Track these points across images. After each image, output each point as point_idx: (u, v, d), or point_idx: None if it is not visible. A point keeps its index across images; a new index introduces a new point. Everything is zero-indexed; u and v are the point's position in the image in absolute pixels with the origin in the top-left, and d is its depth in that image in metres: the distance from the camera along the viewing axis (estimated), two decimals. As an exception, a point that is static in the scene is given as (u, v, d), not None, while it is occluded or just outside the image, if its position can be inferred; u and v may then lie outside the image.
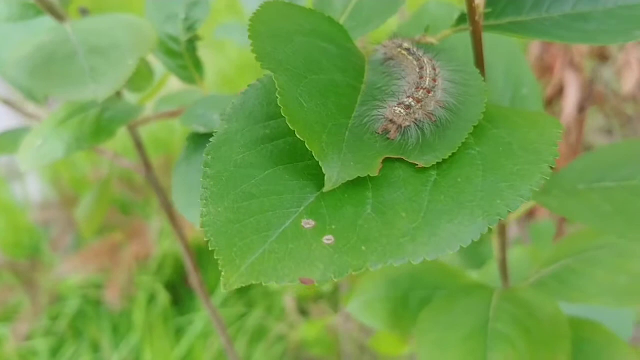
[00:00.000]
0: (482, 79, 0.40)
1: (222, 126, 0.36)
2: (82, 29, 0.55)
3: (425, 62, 0.40)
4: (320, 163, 0.32)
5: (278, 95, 0.33)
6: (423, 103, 0.37)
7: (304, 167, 0.34)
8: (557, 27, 0.44)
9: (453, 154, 0.35)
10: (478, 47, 0.44)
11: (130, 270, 1.49)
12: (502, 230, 0.56)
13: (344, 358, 1.40)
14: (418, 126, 0.36)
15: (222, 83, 2.13)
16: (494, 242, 0.58)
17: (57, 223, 1.67)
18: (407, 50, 0.42)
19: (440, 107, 0.38)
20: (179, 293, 1.53)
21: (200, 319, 1.44)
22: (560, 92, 1.36)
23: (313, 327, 1.44)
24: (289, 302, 1.51)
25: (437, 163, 0.34)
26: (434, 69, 0.40)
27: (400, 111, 0.36)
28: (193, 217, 0.50)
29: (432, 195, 0.33)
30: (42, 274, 1.55)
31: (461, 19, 0.45)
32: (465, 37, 0.45)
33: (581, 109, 1.31)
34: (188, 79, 0.60)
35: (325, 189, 0.32)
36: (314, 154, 0.32)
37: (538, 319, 0.55)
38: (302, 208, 0.32)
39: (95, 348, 1.43)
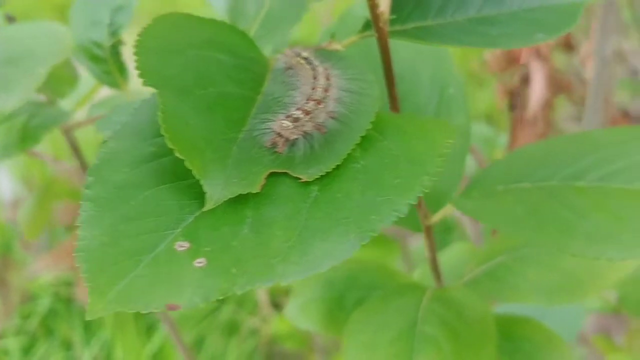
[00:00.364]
0: (377, 87, 0.39)
1: (109, 144, 0.35)
2: (1, 37, 0.55)
3: (320, 71, 0.40)
4: (200, 181, 0.32)
5: (159, 114, 0.33)
6: (312, 115, 0.37)
7: (187, 185, 0.34)
8: (461, 32, 0.44)
9: (338, 167, 0.34)
10: (385, 54, 0.43)
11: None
12: (428, 231, 0.56)
13: (316, 352, 1.41)
14: (307, 139, 0.36)
15: None
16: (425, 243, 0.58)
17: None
18: (305, 59, 0.41)
19: (332, 117, 0.38)
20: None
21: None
22: (526, 82, 1.36)
23: (286, 320, 1.44)
24: (261, 295, 1.52)
25: (321, 178, 0.34)
26: (328, 79, 0.40)
27: (287, 124, 0.36)
28: None
29: (310, 212, 0.32)
30: (13, 273, 1.55)
31: (367, 25, 0.45)
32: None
33: (547, 98, 1.31)
34: (112, 84, 0.59)
35: (205, 208, 0.32)
36: (193, 172, 0.32)
37: (466, 320, 0.55)
38: (178, 230, 0.32)
39: (67, 346, 1.43)
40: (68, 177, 1.25)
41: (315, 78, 0.40)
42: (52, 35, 0.53)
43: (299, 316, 0.63)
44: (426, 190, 0.33)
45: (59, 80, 0.60)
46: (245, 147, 0.35)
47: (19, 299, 1.51)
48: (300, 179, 0.34)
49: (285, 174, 0.34)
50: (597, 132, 0.51)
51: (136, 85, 0.62)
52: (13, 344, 1.43)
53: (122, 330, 1.41)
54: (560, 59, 1.38)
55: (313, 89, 0.39)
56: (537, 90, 1.32)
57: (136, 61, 0.35)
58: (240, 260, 0.31)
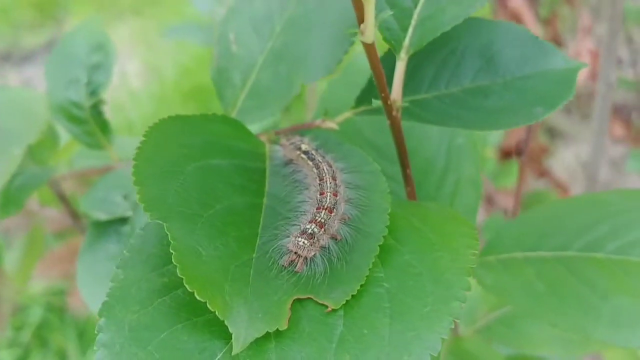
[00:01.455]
0: (384, 179, 0.38)
1: (118, 276, 0.33)
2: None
3: (325, 170, 0.38)
4: (225, 322, 0.30)
5: (172, 251, 0.31)
6: (326, 226, 0.35)
7: (204, 322, 0.32)
8: (456, 106, 0.42)
9: (362, 293, 0.33)
10: (399, 141, 0.41)
11: (93, 275, 1.47)
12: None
13: None
14: (323, 253, 0.34)
15: (181, 76, 2.06)
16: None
17: (19, 230, 1.63)
18: (306, 153, 0.39)
19: (344, 223, 0.36)
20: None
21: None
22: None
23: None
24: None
25: (345, 307, 0.32)
26: (334, 179, 0.38)
27: (303, 242, 0.34)
28: None
29: (337, 355, 0.31)
30: (3, 283, 1.52)
31: (361, 99, 0.43)
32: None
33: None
34: (95, 145, 0.56)
35: (234, 352, 0.29)
36: (217, 314, 0.30)
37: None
38: (200, 379, 0.30)
39: (62, 357, 1.42)
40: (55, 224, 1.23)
41: (321, 179, 0.38)
42: (27, 112, 0.50)
43: None
44: (457, 320, 0.32)
45: (40, 148, 0.57)
46: (262, 270, 0.33)
47: (11, 309, 1.49)
48: (326, 306, 0.32)
49: (305, 300, 0.33)
50: (609, 196, 0.49)
51: (122, 145, 0.60)
52: (7, 356, 1.41)
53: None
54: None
55: (321, 194, 0.37)
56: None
57: (138, 192, 0.33)
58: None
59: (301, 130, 0.45)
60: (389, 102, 0.38)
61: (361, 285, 0.33)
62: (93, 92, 0.55)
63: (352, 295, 0.33)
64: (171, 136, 0.37)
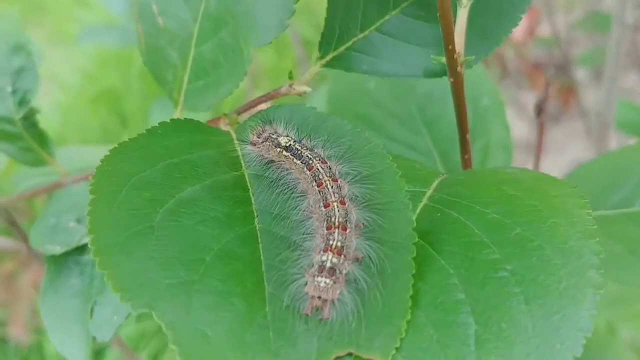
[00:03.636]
0: (390, 158, 0.32)
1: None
2: None
3: (320, 170, 0.30)
4: None
5: (173, 346, 0.25)
6: (345, 250, 0.28)
7: None
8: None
9: (483, 278, 0.28)
10: (460, 102, 0.36)
11: (32, 300, 1.35)
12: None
13: None
14: (350, 285, 0.27)
15: (86, 82, 1.90)
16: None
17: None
18: (289, 149, 0.32)
19: (361, 235, 0.29)
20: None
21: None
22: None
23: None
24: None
25: (470, 302, 0.27)
26: (334, 180, 0.30)
27: (325, 282, 0.27)
28: (74, 354, 0.41)
29: (481, 358, 0.25)
30: None
31: (327, 44, 0.38)
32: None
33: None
34: (35, 161, 0.48)
35: None
36: None
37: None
38: None
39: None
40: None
41: (319, 184, 0.30)
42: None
43: None
44: (601, 292, 0.27)
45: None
46: (283, 328, 0.26)
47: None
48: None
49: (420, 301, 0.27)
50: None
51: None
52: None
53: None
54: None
55: (326, 206, 0.29)
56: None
57: (107, 278, 0.26)
58: None
59: (266, 101, 0.39)
60: (455, 56, 0.32)
61: (481, 275, 0.28)
62: (22, 101, 0.46)
63: (471, 287, 0.28)
64: (123, 177, 0.30)
